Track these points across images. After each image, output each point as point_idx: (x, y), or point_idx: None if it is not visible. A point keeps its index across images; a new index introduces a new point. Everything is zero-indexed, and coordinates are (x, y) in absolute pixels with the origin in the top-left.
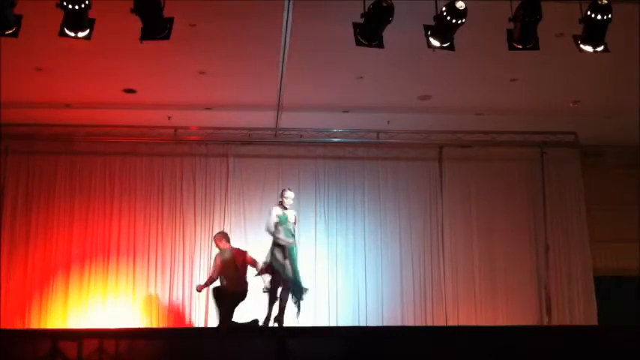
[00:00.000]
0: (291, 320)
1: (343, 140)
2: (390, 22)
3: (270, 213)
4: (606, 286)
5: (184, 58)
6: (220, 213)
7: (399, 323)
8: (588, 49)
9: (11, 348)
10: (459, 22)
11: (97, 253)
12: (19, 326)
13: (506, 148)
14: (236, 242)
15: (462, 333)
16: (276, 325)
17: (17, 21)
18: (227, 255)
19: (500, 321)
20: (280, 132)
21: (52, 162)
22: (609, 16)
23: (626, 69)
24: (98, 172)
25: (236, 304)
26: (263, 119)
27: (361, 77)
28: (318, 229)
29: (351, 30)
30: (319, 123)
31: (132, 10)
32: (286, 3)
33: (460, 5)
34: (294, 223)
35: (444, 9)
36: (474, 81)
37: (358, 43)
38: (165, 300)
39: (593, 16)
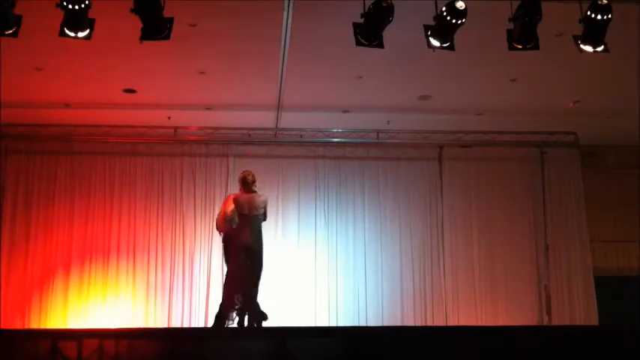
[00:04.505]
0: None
1: (343, 140)
2: (390, 22)
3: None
4: (606, 286)
5: (184, 58)
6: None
7: (399, 323)
8: (588, 49)
9: (11, 348)
10: (459, 22)
11: (97, 253)
12: (19, 326)
13: (506, 148)
14: None
15: (462, 333)
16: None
17: (17, 21)
18: None
19: (500, 321)
20: (280, 132)
21: (52, 162)
22: (609, 16)
23: (626, 69)
24: (98, 172)
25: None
26: (263, 119)
27: (361, 77)
28: (318, 229)
29: (351, 30)
30: (319, 123)
31: (132, 10)
32: (286, 3)
33: (460, 5)
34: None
35: (444, 9)
36: (474, 81)
37: (358, 43)
38: (166, 300)
39: (593, 16)
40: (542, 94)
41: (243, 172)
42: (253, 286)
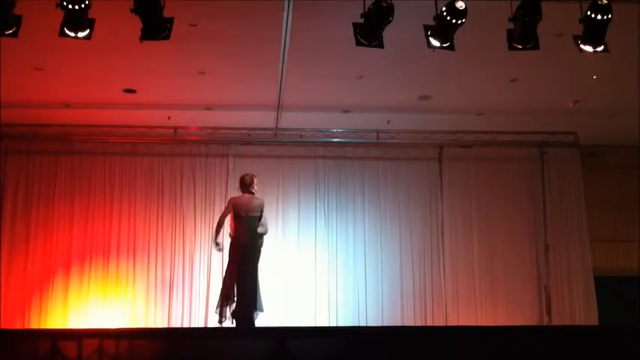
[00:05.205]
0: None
1: (343, 140)
2: (390, 22)
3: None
4: (606, 286)
5: (184, 58)
6: (220, 213)
7: (399, 323)
8: (588, 49)
9: (11, 348)
10: (459, 22)
11: (97, 253)
12: (19, 326)
13: (506, 148)
14: None
15: (462, 333)
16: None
17: (17, 21)
18: None
19: (501, 321)
20: (280, 132)
21: (52, 162)
22: (609, 16)
23: (626, 69)
24: (98, 172)
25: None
26: (263, 119)
27: (361, 77)
28: (318, 229)
29: (351, 30)
30: (319, 123)
31: (132, 10)
32: (286, 3)
33: (460, 5)
34: None
35: (444, 9)
36: (474, 81)
37: (358, 43)
38: (166, 300)
39: (593, 16)
40: (542, 94)
41: (243, 173)
42: (243, 282)
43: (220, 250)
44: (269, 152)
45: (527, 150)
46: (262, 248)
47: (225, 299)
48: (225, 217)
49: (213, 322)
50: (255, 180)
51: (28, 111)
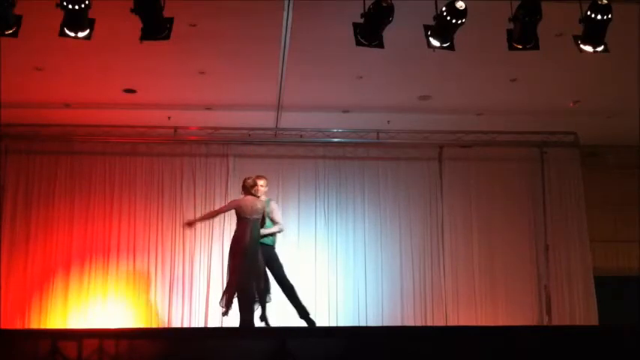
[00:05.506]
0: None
1: (343, 140)
2: (390, 22)
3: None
4: (606, 286)
5: (184, 58)
6: None
7: (399, 323)
8: (588, 49)
9: (11, 348)
10: (459, 22)
11: (97, 253)
12: (19, 326)
13: (506, 148)
14: None
15: (462, 333)
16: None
17: (17, 21)
18: None
19: (501, 321)
20: (280, 132)
21: (52, 162)
22: (609, 16)
23: (626, 69)
24: (98, 172)
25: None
26: (263, 119)
27: (361, 77)
28: (318, 229)
29: (351, 30)
30: (319, 123)
31: (132, 10)
32: (286, 3)
33: (460, 5)
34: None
35: (444, 9)
36: (474, 81)
37: (358, 43)
38: (166, 300)
39: (593, 16)
40: (542, 94)
41: (246, 177)
42: (244, 283)
43: (188, 227)
44: (269, 152)
45: (527, 150)
46: (275, 246)
47: (229, 297)
48: (221, 213)
49: (213, 322)
50: (260, 182)
51: (28, 111)
